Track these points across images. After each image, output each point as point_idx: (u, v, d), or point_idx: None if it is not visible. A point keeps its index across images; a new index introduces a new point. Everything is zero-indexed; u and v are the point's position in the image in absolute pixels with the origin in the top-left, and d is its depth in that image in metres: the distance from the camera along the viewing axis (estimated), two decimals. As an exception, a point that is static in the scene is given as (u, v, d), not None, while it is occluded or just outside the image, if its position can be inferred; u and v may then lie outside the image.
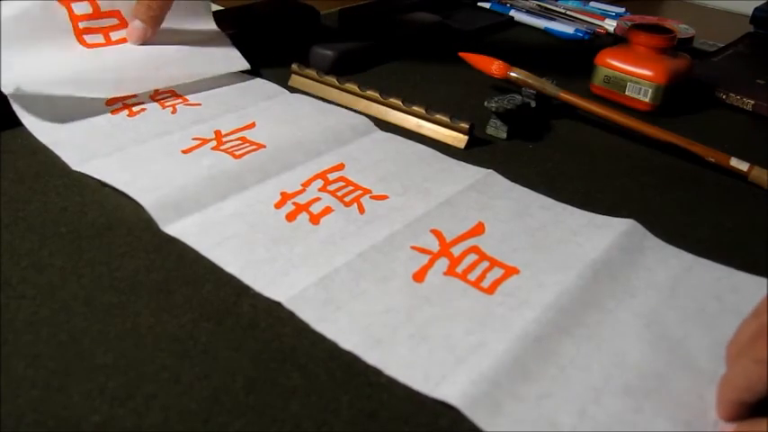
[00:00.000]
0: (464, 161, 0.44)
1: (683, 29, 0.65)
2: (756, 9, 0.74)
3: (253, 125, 0.46)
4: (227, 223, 0.36)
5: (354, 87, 0.50)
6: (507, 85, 0.54)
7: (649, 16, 0.73)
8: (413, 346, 0.29)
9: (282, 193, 0.39)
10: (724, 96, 0.57)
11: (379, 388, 0.27)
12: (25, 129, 0.42)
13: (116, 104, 0.47)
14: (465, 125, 0.46)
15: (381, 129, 0.47)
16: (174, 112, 0.47)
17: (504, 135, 0.48)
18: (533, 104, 0.51)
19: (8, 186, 0.38)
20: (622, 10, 0.76)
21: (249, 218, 0.37)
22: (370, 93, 0.49)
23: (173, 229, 0.35)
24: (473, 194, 0.40)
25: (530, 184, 0.41)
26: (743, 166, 0.45)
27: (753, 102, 0.56)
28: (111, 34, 0.51)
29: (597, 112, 0.50)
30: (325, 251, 0.34)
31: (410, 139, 0.46)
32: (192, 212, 0.36)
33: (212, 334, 0.29)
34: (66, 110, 0.44)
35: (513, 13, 0.74)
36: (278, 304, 0.30)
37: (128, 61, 0.49)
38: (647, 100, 0.53)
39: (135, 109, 0.47)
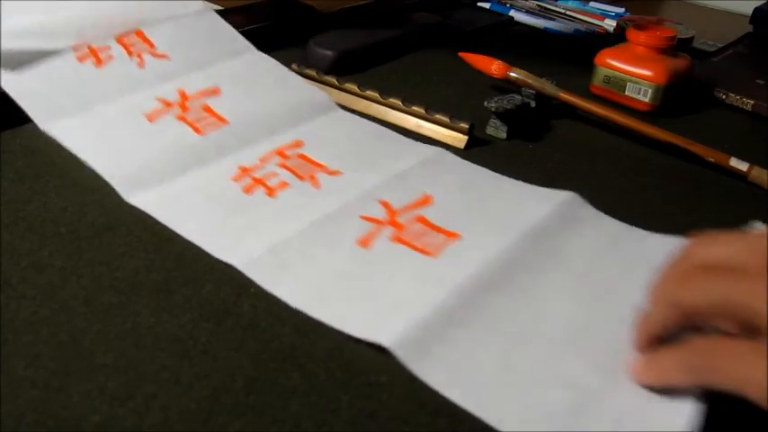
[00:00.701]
0: (464, 161, 0.44)
1: (682, 29, 0.64)
2: (756, 9, 0.74)
3: (217, 91, 0.47)
4: (188, 195, 0.38)
5: (354, 87, 0.50)
6: (507, 86, 0.54)
7: (649, 16, 0.73)
8: (355, 302, 0.31)
9: (241, 168, 0.41)
10: (724, 96, 0.57)
11: (379, 388, 0.27)
12: (25, 129, 0.42)
13: (83, 49, 0.47)
14: (465, 125, 0.46)
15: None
16: (140, 64, 0.47)
17: (504, 135, 0.48)
18: (533, 104, 0.51)
19: (8, 186, 0.38)
20: (622, 10, 0.76)
21: (208, 190, 0.39)
22: (369, 93, 0.49)
23: (135, 200, 0.37)
24: (424, 170, 0.42)
25: (530, 184, 0.41)
26: (743, 166, 0.45)
27: (753, 102, 0.56)
28: None
29: (597, 112, 0.50)
30: (279, 221, 0.36)
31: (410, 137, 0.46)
32: (154, 185, 0.38)
33: (212, 334, 0.29)
34: (30, 54, 0.45)
35: (513, 13, 0.74)
36: (278, 304, 0.30)
37: (90, 7, 0.50)
38: (646, 100, 0.53)
39: (102, 56, 0.47)
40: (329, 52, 0.56)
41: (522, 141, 0.48)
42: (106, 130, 0.42)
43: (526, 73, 0.52)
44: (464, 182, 0.41)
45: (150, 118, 0.43)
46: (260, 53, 0.52)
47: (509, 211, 0.38)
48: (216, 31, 0.54)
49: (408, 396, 0.27)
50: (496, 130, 0.48)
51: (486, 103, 0.47)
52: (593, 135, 0.50)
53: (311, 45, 0.56)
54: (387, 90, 0.49)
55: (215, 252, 0.33)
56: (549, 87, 0.51)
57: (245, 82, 0.49)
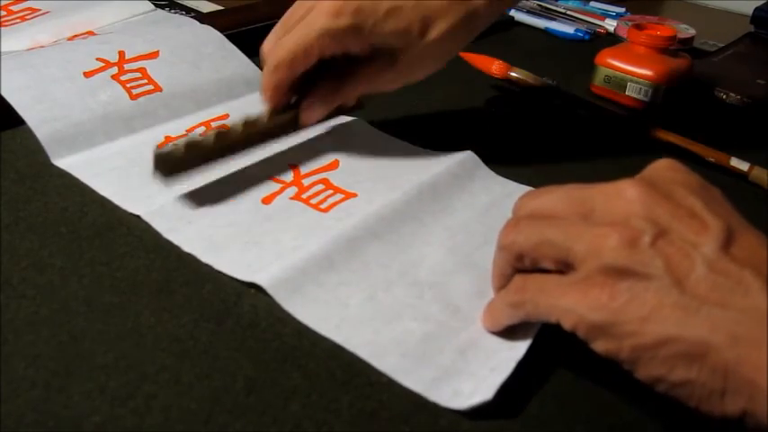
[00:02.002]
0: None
1: (683, 29, 0.64)
2: (756, 9, 0.74)
3: (156, 54, 0.48)
4: (111, 159, 0.40)
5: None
6: (508, 85, 0.54)
7: (649, 16, 0.73)
8: (244, 250, 0.33)
9: (166, 137, 0.43)
10: (724, 96, 0.57)
11: (379, 388, 0.27)
12: (25, 129, 0.42)
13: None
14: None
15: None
16: (85, 39, 0.50)
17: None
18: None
19: (8, 186, 0.38)
20: (622, 10, 0.76)
21: (131, 155, 0.41)
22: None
23: (62, 162, 0.39)
24: (335, 136, 0.44)
25: (529, 184, 0.41)
26: (743, 165, 0.45)
27: (753, 102, 0.56)
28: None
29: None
30: (189, 179, 0.37)
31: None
32: (82, 150, 0.40)
33: (212, 334, 0.29)
34: None
35: (513, 13, 0.74)
36: (279, 305, 0.30)
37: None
38: (647, 100, 0.53)
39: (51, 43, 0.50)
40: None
41: (521, 140, 0.48)
42: (42, 83, 0.43)
43: (527, 73, 0.52)
44: (372, 148, 0.44)
45: (87, 75, 0.44)
46: (204, 25, 0.53)
47: (407, 172, 0.41)
48: (163, 16, 0.56)
49: (408, 396, 0.27)
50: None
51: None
52: (594, 135, 0.50)
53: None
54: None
55: (122, 204, 0.36)
56: (549, 87, 0.51)
57: (185, 49, 0.50)
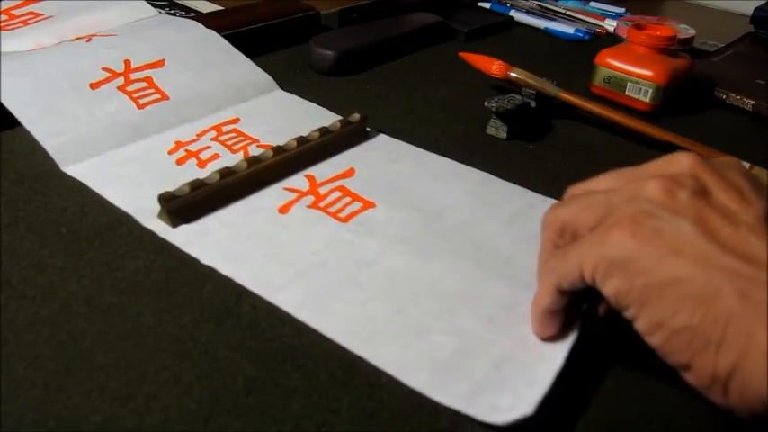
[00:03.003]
0: (464, 162, 0.44)
1: (682, 29, 0.64)
2: (756, 9, 0.74)
3: (162, 63, 0.48)
4: (122, 166, 0.39)
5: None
6: (507, 85, 0.54)
7: (649, 16, 0.73)
8: (264, 263, 0.33)
9: (177, 142, 0.42)
10: (724, 96, 0.57)
11: (379, 388, 0.27)
12: (25, 129, 0.42)
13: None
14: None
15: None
16: (88, 40, 0.49)
17: (505, 135, 0.48)
18: (533, 105, 0.51)
19: (8, 186, 0.38)
20: (622, 10, 0.76)
21: (142, 162, 0.40)
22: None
23: (72, 170, 0.39)
24: (352, 146, 0.44)
25: (530, 185, 0.41)
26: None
27: (753, 102, 0.56)
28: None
29: (597, 111, 0.50)
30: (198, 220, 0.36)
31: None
32: (91, 157, 0.40)
33: (212, 334, 0.29)
34: None
35: (513, 13, 0.74)
36: (278, 306, 0.30)
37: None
38: (647, 100, 0.53)
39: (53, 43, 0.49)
40: (329, 52, 0.56)
41: (523, 141, 0.48)
42: (49, 96, 0.42)
43: (527, 73, 0.52)
44: (388, 157, 0.43)
45: (94, 86, 0.44)
46: (209, 30, 0.53)
47: (425, 185, 0.40)
48: (166, 19, 0.55)
49: (408, 396, 0.27)
50: (497, 130, 0.48)
51: (486, 104, 0.47)
52: (594, 135, 0.50)
53: (311, 45, 0.56)
54: (385, 92, 0.49)
55: (139, 219, 0.35)
56: (549, 87, 0.51)
57: (190, 56, 0.50)
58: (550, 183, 0.42)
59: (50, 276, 0.31)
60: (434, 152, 0.44)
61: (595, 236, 0.25)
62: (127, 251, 0.33)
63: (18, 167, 0.39)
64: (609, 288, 0.25)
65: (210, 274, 0.32)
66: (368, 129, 0.46)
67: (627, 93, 0.54)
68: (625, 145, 0.49)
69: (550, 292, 0.28)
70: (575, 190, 0.30)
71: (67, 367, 0.27)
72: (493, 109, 0.47)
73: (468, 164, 0.43)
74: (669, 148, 0.47)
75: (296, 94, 0.51)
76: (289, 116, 0.47)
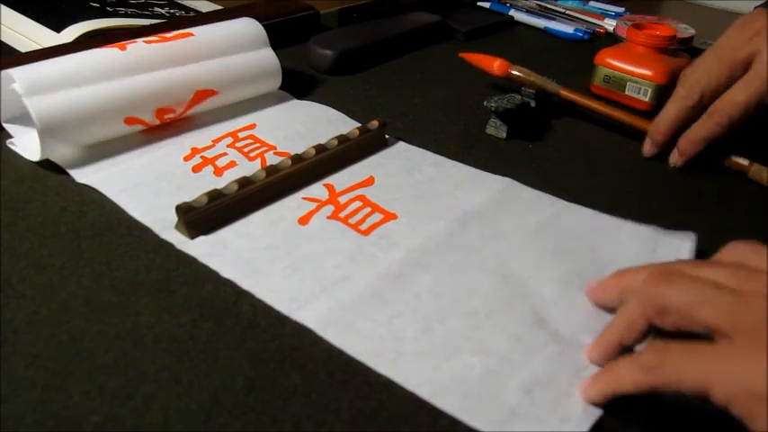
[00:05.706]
0: (465, 162, 0.44)
1: (682, 28, 0.64)
2: (756, 9, 0.74)
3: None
4: (137, 173, 0.39)
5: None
6: (508, 85, 0.54)
7: (649, 16, 0.73)
8: (285, 276, 0.32)
9: (192, 148, 0.42)
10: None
11: (379, 388, 0.27)
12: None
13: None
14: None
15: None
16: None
17: (504, 135, 0.48)
18: (533, 104, 0.51)
19: (8, 186, 0.38)
20: (622, 10, 0.76)
21: (158, 169, 0.40)
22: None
23: (86, 179, 0.38)
24: (371, 153, 0.43)
25: (530, 184, 0.41)
26: (742, 162, 0.45)
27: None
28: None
29: (597, 108, 0.50)
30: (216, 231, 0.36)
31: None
32: (105, 164, 0.40)
33: (212, 334, 0.29)
34: None
35: (513, 12, 0.74)
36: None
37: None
38: (646, 99, 0.53)
39: None
40: (329, 52, 0.56)
41: (522, 141, 0.48)
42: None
43: (527, 71, 0.52)
44: (408, 165, 0.43)
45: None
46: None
47: (447, 195, 0.40)
48: None
49: (408, 396, 0.27)
50: (496, 129, 0.48)
51: (485, 103, 0.47)
52: (594, 134, 0.50)
53: (311, 45, 0.56)
54: (386, 90, 0.49)
55: (156, 229, 0.34)
56: (549, 85, 0.51)
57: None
58: (550, 182, 0.42)
59: (50, 276, 0.31)
60: (434, 152, 0.45)
61: (730, 357, 0.23)
62: (126, 251, 0.33)
63: (18, 167, 0.39)
64: (758, 424, 0.22)
65: (210, 274, 0.32)
66: (386, 136, 0.45)
67: (626, 92, 0.54)
68: (625, 144, 0.49)
69: (637, 382, 0.25)
70: (680, 267, 0.27)
71: (67, 367, 0.27)
72: (492, 108, 0.47)
73: (468, 164, 0.43)
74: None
75: (296, 93, 0.51)
76: (306, 122, 0.47)
